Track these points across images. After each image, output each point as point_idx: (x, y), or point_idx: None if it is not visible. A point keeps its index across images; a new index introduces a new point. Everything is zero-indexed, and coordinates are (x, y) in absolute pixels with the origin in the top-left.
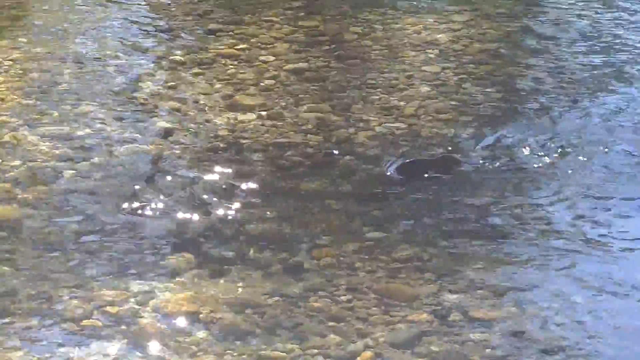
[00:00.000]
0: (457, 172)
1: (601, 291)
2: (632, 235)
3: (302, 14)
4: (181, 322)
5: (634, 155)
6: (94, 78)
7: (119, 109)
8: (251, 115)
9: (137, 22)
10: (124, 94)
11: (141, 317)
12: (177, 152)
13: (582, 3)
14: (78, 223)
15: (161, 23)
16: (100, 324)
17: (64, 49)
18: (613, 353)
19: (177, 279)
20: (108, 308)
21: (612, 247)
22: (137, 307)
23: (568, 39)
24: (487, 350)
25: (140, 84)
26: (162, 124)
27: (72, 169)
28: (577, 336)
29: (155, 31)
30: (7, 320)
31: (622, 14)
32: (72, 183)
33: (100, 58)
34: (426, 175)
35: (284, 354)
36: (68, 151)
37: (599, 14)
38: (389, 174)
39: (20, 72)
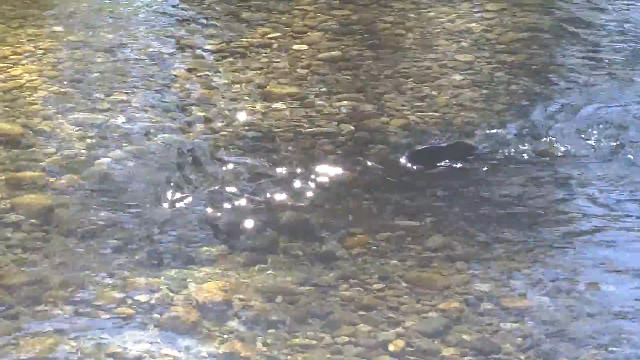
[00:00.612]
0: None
1: (635, 280)
2: None
3: (336, 2)
4: (213, 310)
5: None
6: (126, 67)
7: (152, 98)
8: (284, 104)
9: (168, 11)
10: (157, 83)
11: (173, 305)
12: (210, 141)
13: None
14: (111, 211)
15: (193, 12)
16: (132, 312)
17: (96, 37)
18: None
19: (209, 267)
20: (140, 296)
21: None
22: (169, 295)
23: (603, 27)
24: (519, 340)
25: (173, 72)
26: (195, 112)
27: (106, 157)
28: (611, 327)
29: (188, 20)
30: (38, 308)
31: None
32: (106, 171)
33: (132, 47)
34: (440, 164)
35: (315, 342)
36: (101, 139)
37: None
38: (402, 161)
39: (54, 60)
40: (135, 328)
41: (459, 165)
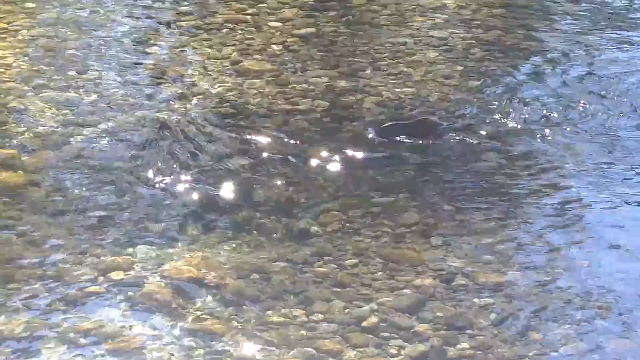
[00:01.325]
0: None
1: (609, 254)
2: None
3: None
4: (187, 287)
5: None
6: (100, 44)
7: (126, 75)
8: (259, 81)
9: None
10: (131, 60)
11: (147, 283)
12: (185, 117)
13: None
14: (84, 190)
15: None
16: (105, 290)
17: (70, 14)
18: (618, 315)
19: (183, 245)
20: (113, 274)
21: (619, 211)
22: (143, 273)
23: (577, 3)
24: (492, 315)
25: (147, 49)
26: (170, 89)
27: (80, 135)
28: (585, 302)
29: None
30: (11, 286)
31: None
32: (79, 149)
33: (106, 24)
34: (403, 138)
35: (289, 319)
36: (75, 117)
37: None
38: (370, 136)
39: (27, 37)
40: (109, 306)
41: (428, 141)
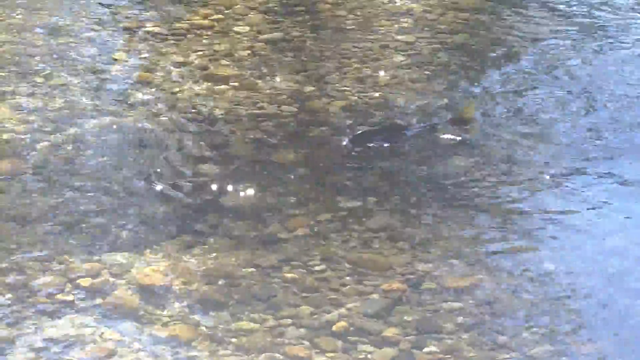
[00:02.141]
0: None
1: (575, 259)
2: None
3: None
4: (155, 294)
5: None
6: (67, 50)
7: (92, 81)
8: (226, 86)
9: None
10: (98, 66)
11: (115, 289)
12: (152, 123)
13: None
14: (52, 196)
15: None
16: (73, 296)
17: (37, 20)
18: (585, 319)
19: (151, 251)
20: (81, 281)
21: (580, 217)
22: (111, 279)
23: (543, 9)
24: (460, 319)
25: (114, 55)
26: (137, 95)
27: (46, 141)
28: (551, 306)
29: (129, 3)
30: None
31: None
32: (46, 156)
33: (73, 30)
34: (372, 144)
35: (258, 324)
36: (42, 123)
37: None
38: (343, 144)
39: None
40: (77, 312)
41: (394, 145)
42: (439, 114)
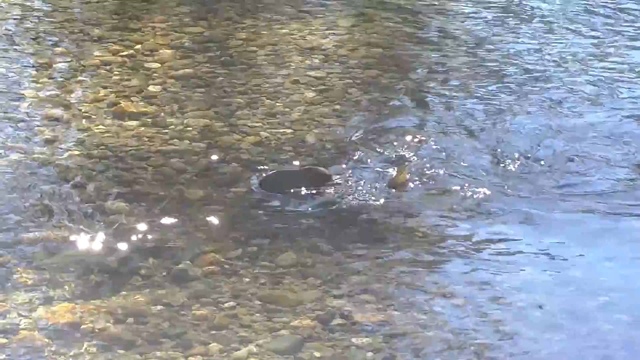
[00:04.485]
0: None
1: (484, 294)
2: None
3: (188, 19)
4: (63, 333)
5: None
6: None
7: (1, 118)
8: (136, 122)
9: (16, 29)
10: (5, 103)
11: (21, 329)
12: (61, 160)
13: (465, 12)
14: None
15: (43, 30)
16: None
17: None
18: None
19: (59, 290)
20: None
21: (496, 247)
22: (17, 319)
23: (452, 43)
24: (369, 354)
25: (22, 91)
26: (45, 132)
27: None
28: (460, 339)
29: (38, 38)
30: None
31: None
32: None
33: None
34: (292, 190)
35: None
36: None
37: (481, 18)
38: (254, 188)
39: None
40: None
41: (312, 191)
42: (350, 151)
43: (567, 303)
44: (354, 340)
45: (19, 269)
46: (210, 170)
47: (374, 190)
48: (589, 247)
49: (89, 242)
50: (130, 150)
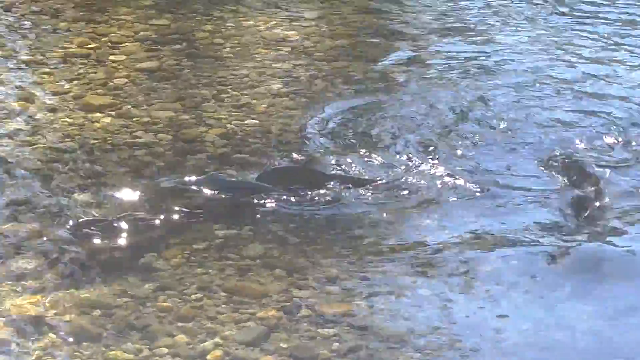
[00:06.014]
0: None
1: (455, 286)
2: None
3: (153, 12)
4: (28, 326)
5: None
6: None
7: None
8: (101, 115)
9: None
10: None
11: None
12: (26, 154)
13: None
14: None
15: (7, 22)
16: None
17: None
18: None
19: (22, 282)
20: None
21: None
22: None
23: (420, 34)
24: (335, 345)
25: None
26: (10, 125)
27: None
28: (428, 330)
29: (2, 30)
30: None
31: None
32: None
33: None
34: (292, 187)
35: (133, 355)
36: None
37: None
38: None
39: None
40: None
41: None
42: (315, 141)
43: None
44: (320, 330)
45: None
46: (175, 162)
47: (337, 177)
48: None
49: (54, 234)
50: (96, 142)
